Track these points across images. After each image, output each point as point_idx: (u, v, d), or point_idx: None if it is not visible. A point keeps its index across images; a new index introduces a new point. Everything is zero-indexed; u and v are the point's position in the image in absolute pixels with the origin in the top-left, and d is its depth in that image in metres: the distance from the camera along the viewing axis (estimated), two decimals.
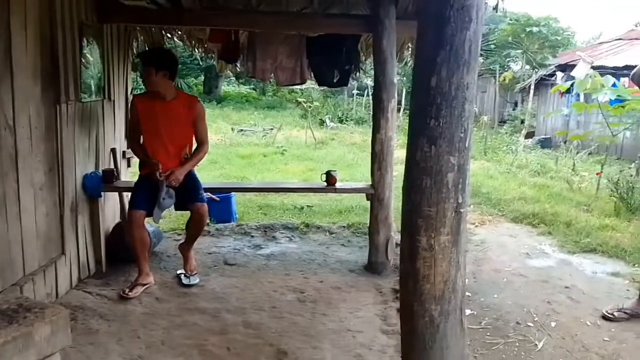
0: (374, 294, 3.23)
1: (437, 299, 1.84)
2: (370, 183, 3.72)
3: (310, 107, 12.31)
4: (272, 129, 12.89)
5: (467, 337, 2.52)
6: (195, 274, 3.36)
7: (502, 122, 15.66)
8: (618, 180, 5.62)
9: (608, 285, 3.43)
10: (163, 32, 4.18)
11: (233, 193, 4.69)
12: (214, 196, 4.45)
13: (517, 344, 2.58)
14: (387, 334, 2.66)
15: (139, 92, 3.79)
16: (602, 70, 9.75)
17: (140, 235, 3.17)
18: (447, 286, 1.84)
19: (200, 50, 4.49)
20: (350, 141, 11.49)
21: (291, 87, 4.99)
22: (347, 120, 15.72)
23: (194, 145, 3.36)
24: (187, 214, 3.36)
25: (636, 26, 16.38)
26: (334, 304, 3.06)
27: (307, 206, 5.36)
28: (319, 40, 3.94)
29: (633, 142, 7.74)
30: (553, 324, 2.81)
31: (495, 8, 3.34)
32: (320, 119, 15.13)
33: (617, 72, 10.03)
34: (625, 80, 10.16)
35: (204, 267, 3.59)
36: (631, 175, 6.30)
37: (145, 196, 3.17)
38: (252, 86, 22.24)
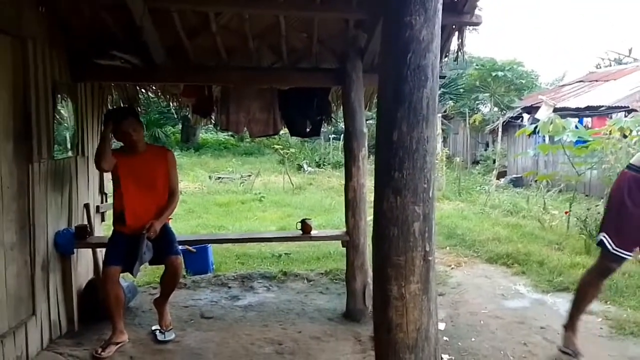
0: (352, 342, 3.21)
1: (411, 348, 1.86)
2: (345, 230, 3.77)
3: (287, 153, 12.45)
4: (250, 175, 12.95)
5: None
6: (171, 329, 3.30)
7: (475, 162, 16.06)
8: (586, 218, 5.79)
9: (582, 324, 3.47)
10: (137, 87, 4.26)
11: (210, 244, 4.67)
12: (190, 247, 4.43)
13: None
14: None
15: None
16: (565, 111, 10.21)
17: (115, 292, 3.12)
18: (420, 334, 1.87)
19: (174, 104, 4.58)
20: (328, 185, 11.61)
21: (265, 137, 5.06)
22: (324, 165, 15.92)
23: None
24: (162, 267, 3.33)
25: (597, 68, 17.24)
26: (313, 355, 3.03)
27: (285, 254, 5.35)
28: (291, 93, 4.07)
29: (599, 180, 8.02)
30: None
31: (456, 59, 3.53)
32: (298, 164, 15.29)
33: (580, 112, 10.52)
34: (588, 121, 10.66)
35: (179, 321, 3.53)
36: (598, 213, 6.49)
37: (121, 251, 3.15)
38: (230, 133, 22.43)
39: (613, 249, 2.68)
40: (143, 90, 4.41)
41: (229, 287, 4.31)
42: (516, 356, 2.96)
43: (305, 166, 15.10)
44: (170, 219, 3.43)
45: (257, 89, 4.04)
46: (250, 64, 3.79)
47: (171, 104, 4.53)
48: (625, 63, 15.62)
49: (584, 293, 2.83)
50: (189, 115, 4.67)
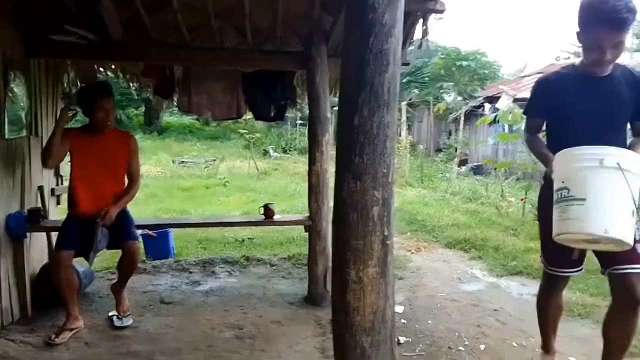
0: (313, 326, 3.24)
1: (368, 331, 1.89)
2: (308, 215, 3.78)
3: (252, 138, 12.34)
4: (214, 160, 12.80)
5: None
6: (129, 315, 3.24)
7: (438, 150, 16.35)
8: None
9: (533, 306, 3.59)
10: (95, 66, 4.10)
11: (171, 229, 4.59)
12: (150, 232, 4.35)
13: None
14: None
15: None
16: (525, 101, 10.47)
17: (67, 277, 3.03)
18: (376, 317, 1.90)
19: (135, 84, 4.44)
20: (294, 171, 11.59)
21: (227, 120, 4.99)
22: (290, 150, 15.88)
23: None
24: (120, 252, 3.26)
25: (556, 60, 17.74)
26: (273, 339, 3.04)
27: (248, 239, 5.34)
28: (255, 76, 4.02)
29: None
30: (482, 347, 2.93)
31: (420, 47, 3.56)
32: (264, 149, 15.20)
33: None
34: None
35: (138, 307, 3.48)
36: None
37: (74, 235, 3.05)
38: (195, 117, 22.02)
39: (547, 268, 2.45)
40: (101, 69, 4.25)
41: (190, 272, 4.27)
42: (469, 337, 3.06)
43: (271, 151, 15.03)
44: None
45: (220, 70, 3.96)
46: (213, 44, 3.69)
47: (131, 84, 4.38)
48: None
49: (539, 312, 2.62)
50: (150, 97, 4.54)
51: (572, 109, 2.23)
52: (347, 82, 1.87)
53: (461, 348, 2.92)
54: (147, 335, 3.07)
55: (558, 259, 2.37)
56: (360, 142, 1.81)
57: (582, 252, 2.29)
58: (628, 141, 2.29)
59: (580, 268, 2.38)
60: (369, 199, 1.84)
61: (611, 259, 2.16)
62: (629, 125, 2.35)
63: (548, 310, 2.59)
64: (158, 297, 3.69)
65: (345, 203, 1.86)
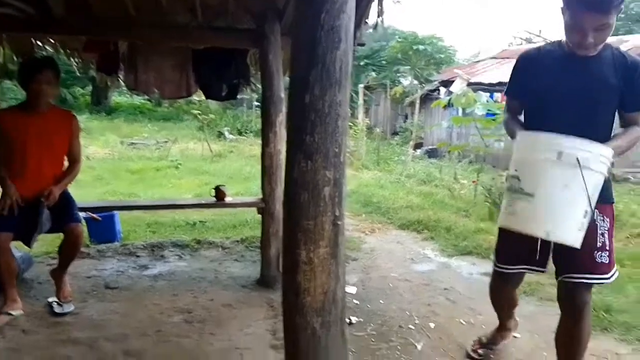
0: (265, 309, 3.20)
1: (318, 311, 1.86)
2: (261, 197, 3.71)
3: (206, 119, 12.03)
4: (166, 141, 12.42)
5: (351, 345, 2.60)
6: (70, 300, 3.10)
7: (395, 133, 16.54)
8: (491, 187, 6.17)
9: (482, 285, 3.69)
10: (33, 40, 3.83)
11: (116, 211, 4.41)
12: (94, 215, 4.15)
13: (399, 347, 2.70)
14: (276, 349, 2.65)
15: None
16: (478, 86, 10.72)
17: (6, 260, 2.87)
18: (327, 298, 1.88)
19: (76, 60, 4.19)
20: (250, 153, 11.42)
21: (177, 99, 4.81)
22: (246, 132, 15.62)
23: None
24: (61, 236, 3.10)
25: (509, 46, 18.22)
26: (224, 323, 2.98)
27: (200, 222, 5.21)
28: (206, 53, 3.86)
29: (505, 151, 8.56)
30: (432, 325, 2.98)
31: (375, 27, 3.51)
32: (219, 131, 14.88)
33: (491, 88, 11.10)
34: (498, 96, 11.28)
35: (81, 292, 3.33)
36: (502, 182, 6.95)
37: (12, 218, 2.87)
38: (146, 97, 21.27)
39: (497, 265, 2.28)
40: (39, 44, 3.98)
41: (138, 257, 4.12)
42: (420, 316, 3.11)
43: (226, 133, 14.74)
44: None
45: (168, 47, 3.78)
46: (160, 20, 3.51)
47: (72, 60, 4.13)
48: (535, 42, 16.63)
49: (491, 300, 2.50)
50: (94, 74, 4.30)
51: (549, 90, 2.01)
52: (299, 59, 1.81)
53: (411, 327, 2.96)
54: (89, 321, 2.94)
55: (512, 256, 2.20)
56: (311, 121, 1.76)
57: (544, 251, 2.07)
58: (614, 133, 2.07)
59: (541, 267, 2.14)
60: (320, 179, 1.80)
61: (567, 265, 2.02)
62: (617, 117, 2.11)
63: (501, 299, 2.48)
64: (102, 282, 3.54)
65: (296, 183, 1.82)
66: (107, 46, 3.72)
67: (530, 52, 2.18)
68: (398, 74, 18.44)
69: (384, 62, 19.50)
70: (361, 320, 3.04)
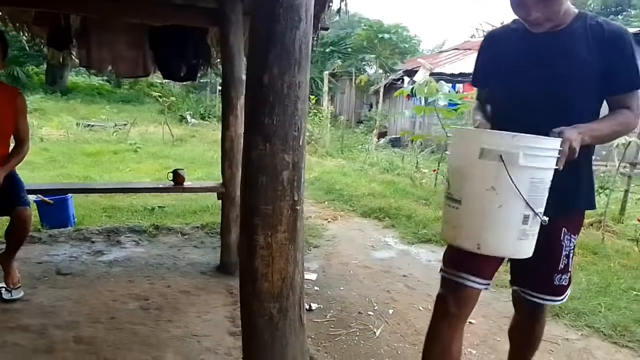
0: (224, 295, 3.15)
1: (276, 297, 1.84)
2: (221, 181, 3.63)
3: (167, 102, 11.72)
4: (125, 124, 12.04)
5: (310, 331, 2.59)
6: (19, 287, 2.96)
7: (359, 122, 16.61)
8: None
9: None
10: None
11: (70, 195, 4.24)
12: (46, 198, 3.99)
13: (358, 333, 2.72)
14: (234, 336, 2.61)
15: None
16: (441, 76, 10.86)
17: None
18: (285, 283, 1.85)
19: (26, 34, 3.96)
20: (212, 139, 11.21)
21: (134, 78, 4.63)
22: (209, 117, 15.34)
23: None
24: (8, 219, 2.94)
25: (472, 37, 18.51)
26: (181, 309, 2.92)
27: (159, 207, 5.08)
28: (164, 32, 3.72)
29: None
30: (391, 311, 3.01)
31: (338, 12, 3.47)
32: (181, 115, 14.55)
33: (453, 78, 11.28)
34: (460, 87, 11.48)
35: (31, 278, 3.19)
36: None
37: None
38: (105, 78, 20.53)
39: (441, 269, 1.75)
40: None
41: (92, 242, 3.98)
42: (379, 302, 3.14)
43: (188, 118, 14.43)
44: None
45: (123, 23, 3.62)
46: None
47: (21, 33, 3.90)
48: None
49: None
50: (44, 49, 4.08)
51: (513, 75, 1.69)
52: (257, 38, 1.75)
53: (371, 313, 2.98)
54: (40, 308, 2.82)
55: (455, 257, 1.68)
56: (269, 103, 1.72)
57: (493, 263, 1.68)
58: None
59: (484, 282, 1.68)
60: (279, 162, 1.76)
61: (523, 278, 1.82)
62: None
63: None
64: (54, 268, 3.40)
65: (254, 167, 1.78)
66: (57, 20, 3.52)
67: (495, 32, 1.90)
68: (363, 63, 18.49)
69: (349, 49, 19.48)
70: (321, 306, 3.04)
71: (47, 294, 3.01)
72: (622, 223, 5.17)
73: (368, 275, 3.63)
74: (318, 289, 3.31)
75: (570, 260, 1.76)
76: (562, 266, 1.74)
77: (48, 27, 3.59)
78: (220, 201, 3.65)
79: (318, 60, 19.02)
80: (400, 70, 15.12)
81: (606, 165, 7.90)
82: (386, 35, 17.36)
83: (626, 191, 5.49)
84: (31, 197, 3.73)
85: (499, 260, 1.72)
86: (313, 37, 3.97)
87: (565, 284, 1.77)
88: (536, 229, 1.49)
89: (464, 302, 1.69)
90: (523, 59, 1.68)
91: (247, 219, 1.83)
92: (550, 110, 1.60)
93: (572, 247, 1.75)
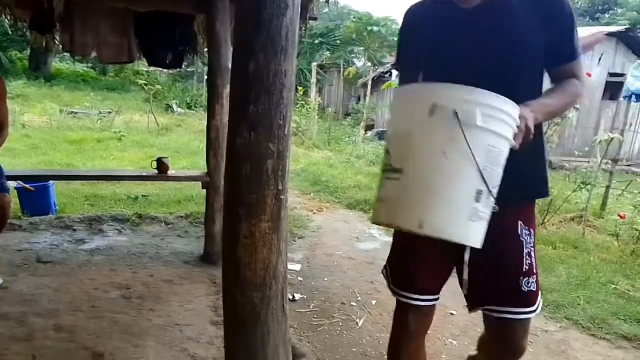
0: (207, 284, 3.14)
1: (258, 286, 1.83)
2: (206, 170, 3.61)
3: (152, 90, 11.57)
4: (110, 112, 11.88)
5: (293, 321, 2.59)
6: None
7: (347, 114, 16.58)
8: None
9: None
10: None
11: (52, 182, 4.17)
12: (26, 185, 3.92)
13: (341, 323, 2.73)
14: (217, 325, 2.61)
15: None
16: None
17: None
18: (268, 273, 1.84)
19: (8, 17, 3.86)
20: (199, 128, 11.12)
21: (118, 64, 4.55)
22: (196, 107, 15.19)
23: None
24: None
25: None
26: (164, 298, 2.90)
27: (143, 196, 5.03)
28: (150, 17, 3.66)
29: None
30: (373, 302, 3.03)
31: (327, 2, 3.45)
32: (167, 104, 14.39)
33: None
34: None
35: (10, 266, 3.15)
36: None
37: None
38: (90, 64, 20.19)
39: (390, 286, 1.74)
40: None
41: (74, 230, 3.93)
42: (362, 293, 3.15)
43: (174, 106, 14.27)
44: None
45: (108, 8, 3.55)
46: None
47: (3, 16, 3.81)
48: None
49: None
50: (27, 33, 3.99)
51: (445, 56, 1.45)
52: (243, 25, 1.73)
53: (353, 303, 2.99)
54: (19, 296, 2.79)
55: (404, 277, 1.64)
56: (255, 91, 1.70)
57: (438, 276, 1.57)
58: None
59: (432, 297, 1.60)
60: (264, 151, 1.74)
61: (485, 293, 1.52)
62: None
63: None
64: (34, 256, 3.36)
65: (239, 155, 1.76)
66: (40, 3, 3.44)
67: (416, 8, 1.60)
68: (352, 55, 18.44)
69: (338, 41, 19.41)
70: (304, 297, 3.04)
71: (27, 282, 2.97)
72: (603, 218, 5.25)
73: (352, 266, 3.64)
74: (302, 279, 3.32)
75: (534, 260, 1.50)
76: (527, 267, 1.48)
77: (31, 10, 3.51)
78: (204, 190, 3.63)
79: (307, 51, 18.95)
80: (388, 63, 15.12)
81: (588, 162, 8.02)
82: (375, 28, 17.33)
83: (607, 187, 5.58)
84: (11, 184, 3.67)
85: (447, 270, 1.58)
86: (301, 27, 3.96)
87: (534, 290, 1.49)
88: (487, 212, 1.23)
89: (422, 320, 1.65)
90: (458, 37, 1.44)
91: (230, 207, 1.82)
92: (495, 92, 1.23)
93: (532, 244, 1.51)
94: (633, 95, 6.25)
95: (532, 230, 1.52)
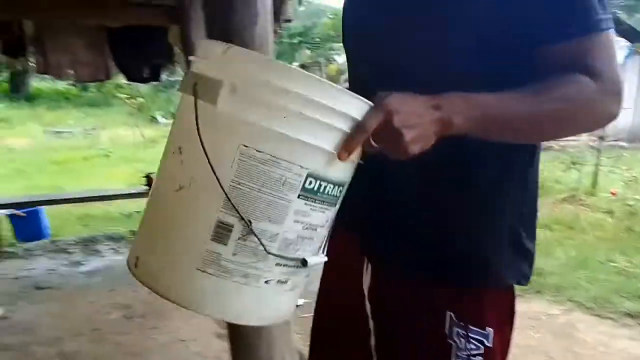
0: None
1: None
2: None
3: (135, 103, 11.47)
4: (94, 129, 11.77)
5: (297, 327, 2.58)
6: None
7: None
8: None
9: None
10: None
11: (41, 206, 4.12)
12: (17, 211, 3.87)
13: None
14: (222, 338, 2.58)
15: None
16: None
17: None
18: None
19: None
20: None
21: (96, 82, 4.49)
22: None
23: None
24: None
25: None
26: (166, 315, 2.88)
27: (136, 212, 4.97)
28: (123, 32, 3.60)
29: None
30: None
31: (300, 2, 3.42)
32: (151, 116, 14.27)
33: None
34: None
35: (9, 295, 3.11)
36: None
37: None
38: (70, 82, 19.95)
39: None
40: None
41: (70, 253, 3.90)
42: None
43: (159, 118, 14.16)
44: None
45: (79, 25, 3.47)
46: None
47: None
48: None
49: None
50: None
51: (371, 35, 0.91)
52: (214, 36, 1.71)
53: None
54: (20, 325, 2.76)
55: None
56: None
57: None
58: None
59: None
60: None
61: None
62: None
63: None
64: (32, 283, 3.32)
65: None
66: (10, 26, 3.34)
67: None
68: (332, 51, 18.41)
69: (317, 39, 19.37)
70: (308, 301, 3.02)
71: (27, 310, 2.94)
72: (595, 196, 5.30)
73: None
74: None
75: None
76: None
77: (2, 34, 3.44)
78: None
79: (286, 52, 18.89)
80: None
81: (577, 140, 8.09)
82: None
83: (597, 165, 5.63)
84: (1, 212, 3.63)
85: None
86: (276, 30, 3.92)
87: None
88: (272, 275, 0.72)
89: None
90: (375, 10, 0.92)
91: None
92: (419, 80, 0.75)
93: (482, 355, 0.84)
94: None
95: (477, 334, 0.84)
